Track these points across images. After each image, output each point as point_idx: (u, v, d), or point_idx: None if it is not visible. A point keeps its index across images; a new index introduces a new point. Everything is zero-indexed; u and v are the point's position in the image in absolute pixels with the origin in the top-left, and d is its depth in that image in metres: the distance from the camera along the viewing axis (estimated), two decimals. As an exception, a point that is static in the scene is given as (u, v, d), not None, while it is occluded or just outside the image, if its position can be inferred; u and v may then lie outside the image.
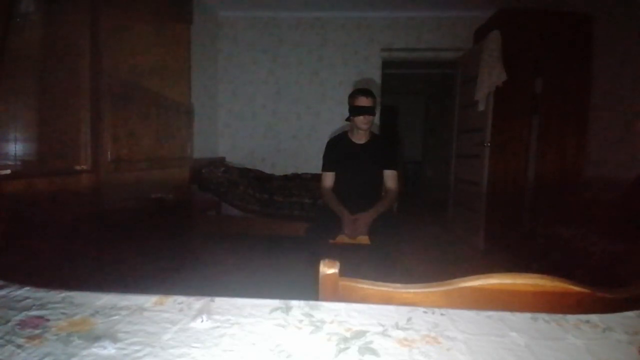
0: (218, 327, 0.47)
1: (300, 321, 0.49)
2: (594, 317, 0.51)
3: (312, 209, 3.12)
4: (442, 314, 0.51)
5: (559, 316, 0.51)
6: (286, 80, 4.29)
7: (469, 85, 3.49)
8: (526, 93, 3.18)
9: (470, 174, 3.53)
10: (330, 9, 4.03)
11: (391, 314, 0.51)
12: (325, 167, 2.18)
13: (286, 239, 3.21)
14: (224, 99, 4.36)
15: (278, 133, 4.36)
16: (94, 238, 1.58)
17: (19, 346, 0.41)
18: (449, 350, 0.43)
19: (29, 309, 0.50)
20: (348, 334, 0.46)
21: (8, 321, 0.47)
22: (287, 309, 0.52)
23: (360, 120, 2.06)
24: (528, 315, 0.51)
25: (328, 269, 0.58)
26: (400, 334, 0.46)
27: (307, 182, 3.69)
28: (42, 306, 0.51)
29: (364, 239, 1.98)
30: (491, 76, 3.05)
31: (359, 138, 2.15)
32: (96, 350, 0.41)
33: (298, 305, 0.53)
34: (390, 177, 2.14)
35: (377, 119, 3.89)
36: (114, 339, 0.43)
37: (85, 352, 0.41)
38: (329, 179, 2.16)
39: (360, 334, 0.46)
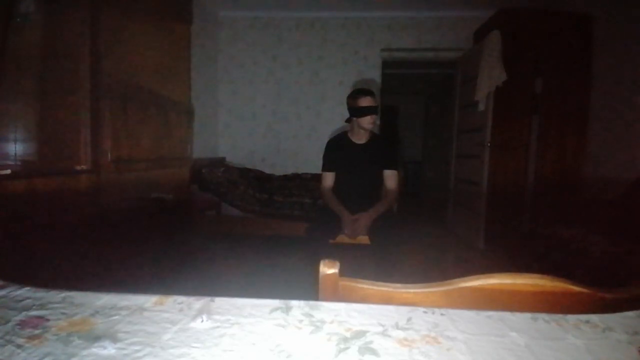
0: (218, 327, 0.47)
1: (300, 321, 0.49)
2: (594, 317, 0.51)
3: (312, 209, 3.12)
4: (442, 314, 0.51)
5: (559, 316, 0.51)
6: (286, 80, 4.29)
7: (469, 85, 3.49)
8: (526, 93, 3.18)
9: (470, 174, 3.53)
10: (330, 9, 4.04)
11: (391, 314, 0.51)
12: (325, 167, 2.18)
13: (286, 239, 3.21)
14: (224, 99, 4.36)
15: (278, 133, 4.36)
16: (94, 238, 1.58)
17: (19, 346, 0.41)
18: (449, 350, 0.43)
19: (29, 309, 0.50)
20: (348, 334, 0.46)
21: (8, 321, 0.47)
22: (287, 309, 0.52)
23: (367, 120, 2.05)
24: (528, 315, 0.51)
25: (328, 269, 0.58)
26: (400, 334, 0.46)
27: (307, 182, 3.69)
28: (42, 306, 0.51)
29: (364, 239, 1.98)
30: (491, 76, 3.06)
31: (359, 138, 2.14)
32: (96, 350, 0.41)
33: (298, 305, 0.53)
34: (390, 177, 2.13)
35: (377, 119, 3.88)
36: (114, 339, 0.43)
37: (85, 352, 0.41)
38: (329, 179, 2.16)
39: (360, 334, 0.46)
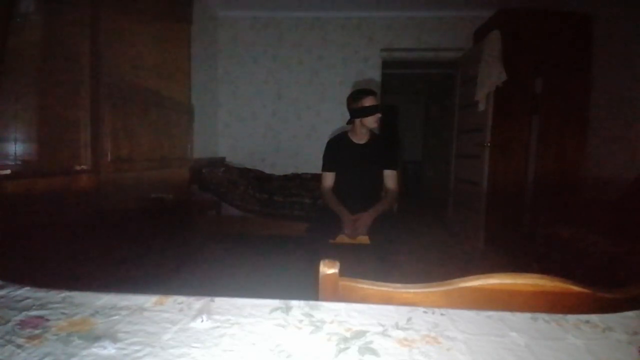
0: (218, 327, 0.47)
1: (300, 321, 0.49)
2: (594, 317, 0.51)
3: (312, 209, 3.12)
4: (442, 314, 0.51)
5: (559, 316, 0.51)
6: (286, 80, 4.29)
7: (469, 85, 3.49)
8: (526, 93, 3.18)
9: (470, 174, 3.53)
10: (330, 9, 4.03)
11: (391, 314, 0.51)
12: (326, 167, 2.18)
13: (286, 239, 3.21)
14: (224, 99, 4.36)
15: (278, 133, 4.35)
16: (94, 238, 1.58)
17: (19, 346, 0.41)
18: (449, 350, 0.43)
19: (29, 309, 0.50)
20: (348, 334, 0.46)
21: (8, 321, 0.47)
22: (287, 309, 0.52)
23: (372, 120, 2.05)
24: (528, 315, 0.51)
25: (328, 269, 0.58)
26: (400, 334, 0.46)
27: (307, 182, 3.69)
28: (42, 306, 0.51)
29: (364, 239, 1.98)
30: (491, 76, 3.05)
31: (360, 138, 2.14)
32: (96, 350, 0.41)
33: (298, 305, 0.53)
34: (390, 177, 2.13)
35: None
36: (114, 339, 0.43)
37: (85, 352, 0.41)
38: (329, 179, 2.16)
39: (360, 334, 0.46)
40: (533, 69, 3.16)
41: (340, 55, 4.21)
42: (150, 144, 2.00)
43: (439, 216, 4.60)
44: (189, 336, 0.44)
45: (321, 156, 2.21)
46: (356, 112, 2.07)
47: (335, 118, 4.19)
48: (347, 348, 0.43)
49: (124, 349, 0.41)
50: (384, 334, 0.46)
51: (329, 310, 0.51)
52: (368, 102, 2.03)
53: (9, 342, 0.42)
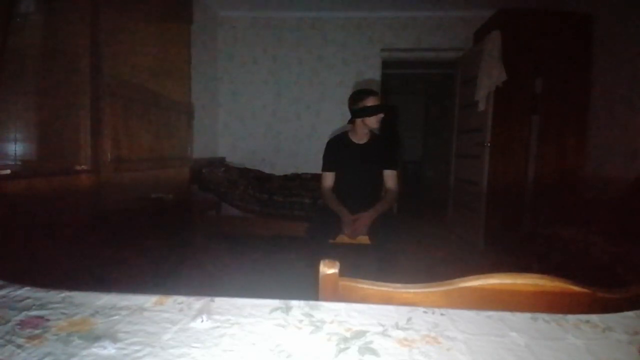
0: (218, 327, 0.47)
1: (300, 321, 0.49)
2: (594, 317, 0.51)
3: (312, 209, 3.12)
4: (442, 314, 0.51)
5: (559, 316, 0.51)
6: (286, 80, 4.29)
7: (469, 85, 3.49)
8: (526, 93, 3.18)
9: (470, 174, 3.53)
10: (330, 9, 4.03)
11: (391, 314, 0.51)
12: (326, 167, 2.18)
13: (286, 239, 3.21)
14: (224, 99, 4.36)
15: (278, 133, 4.35)
16: (94, 238, 1.58)
17: (19, 346, 0.41)
18: (449, 350, 0.43)
19: (29, 309, 0.50)
20: (348, 334, 0.46)
21: (8, 321, 0.47)
22: (287, 309, 0.52)
23: (374, 119, 2.05)
24: (528, 315, 0.51)
25: (328, 269, 0.58)
26: (400, 334, 0.46)
27: (307, 182, 3.69)
28: (42, 306, 0.51)
29: (364, 239, 1.98)
30: (491, 76, 3.05)
31: (360, 138, 2.14)
32: (96, 350, 0.41)
33: (298, 305, 0.53)
34: (390, 177, 2.13)
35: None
36: (114, 339, 0.43)
37: (85, 352, 0.41)
38: (329, 179, 2.16)
39: (360, 334, 0.46)
40: (533, 69, 3.16)
41: (340, 55, 4.21)
42: (150, 144, 2.00)
43: (439, 216, 4.60)
44: (189, 336, 0.44)
45: (321, 156, 2.20)
46: (358, 112, 2.07)
47: (335, 118, 4.19)
48: (347, 348, 0.43)
49: (124, 349, 0.41)
50: (384, 334, 0.46)
51: (329, 310, 0.51)
52: (370, 102, 2.03)
53: (9, 342, 0.42)
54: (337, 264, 0.58)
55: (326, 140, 2.25)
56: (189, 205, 2.60)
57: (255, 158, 4.34)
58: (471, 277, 0.57)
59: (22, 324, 0.46)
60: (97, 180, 1.61)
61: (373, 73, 4.20)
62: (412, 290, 0.58)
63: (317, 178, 3.11)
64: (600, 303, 0.55)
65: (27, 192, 1.31)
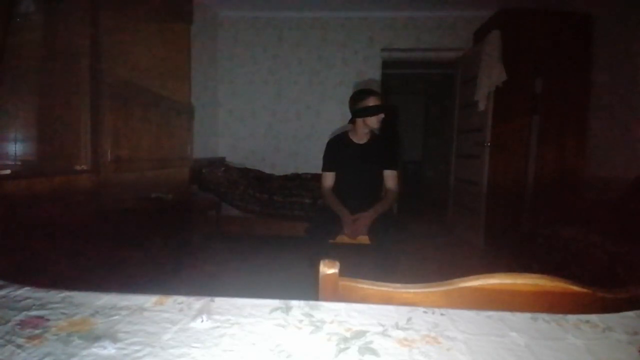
0: (218, 327, 0.47)
1: (300, 321, 0.48)
2: (594, 317, 0.51)
3: (312, 209, 3.12)
4: (442, 314, 0.51)
5: (559, 316, 0.51)
6: (286, 80, 4.29)
7: (469, 85, 3.49)
8: (526, 93, 3.18)
9: (470, 174, 3.53)
10: (330, 9, 4.03)
11: (391, 314, 0.51)
12: (326, 167, 2.18)
13: (286, 239, 3.21)
14: (224, 99, 4.36)
15: (278, 133, 4.35)
16: (94, 238, 1.58)
17: (19, 346, 0.41)
18: (449, 350, 0.43)
19: (29, 309, 0.50)
20: (348, 334, 0.46)
21: (8, 321, 0.47)
22: (287, 309, 0.52)
23: (375, 119, 2.04)
24: (528, 315, 0.51)
25: (328, 269, 0.58)
26: (400, 334, 0.46)
27: (307, 182, 3.69)
28: (42, 306, 0.51)
29: (364, 239, 1.98)
30: (491, 76, 3.05)
31: (360, 138, 2.14)
32: (96, 350, 0.41)
33: (298, 305, 0.53)
34: (390, 177, 2.13)
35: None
36: (114, 339, 0.43)
37: (85, 352, 0.41)
38: (329, 179, 2.16)
39: (360, 334, 0.46)
40: (533, 69, 3.16)
41: (340, 55, 4.21)
42: (150, 144, 2.00)
43: (439, 216, 4.60)
44: (189, 336, 0.44)
45: (321, 156, 2.20)
46: (359, 112, 2.06)
47: (335, 118, 4.19)
48: (347, 348, 0.43)
49: (124, 349, 0.41)
50: (384, 334, 0.46)
51: (329, 310, 0.51)
52: (371, 102, 2.03)
53: (9, 342, 0.42)
54: (337, 264, 0.58)
55: (326, 140, 2.25)
56: (189, 205, 2.60)
57: (255, 158, 4.34)
58: (471, 277, 0.57)
59: (22, 324, 0.46)
60: (97, 180, 1.61)
61: (373, 73, 4.20)
62: (412, 290, 0.58)
63: (317, 178, 3.11)
64: (600, 303, 0.55)
65: (27, 192, 1.31)
